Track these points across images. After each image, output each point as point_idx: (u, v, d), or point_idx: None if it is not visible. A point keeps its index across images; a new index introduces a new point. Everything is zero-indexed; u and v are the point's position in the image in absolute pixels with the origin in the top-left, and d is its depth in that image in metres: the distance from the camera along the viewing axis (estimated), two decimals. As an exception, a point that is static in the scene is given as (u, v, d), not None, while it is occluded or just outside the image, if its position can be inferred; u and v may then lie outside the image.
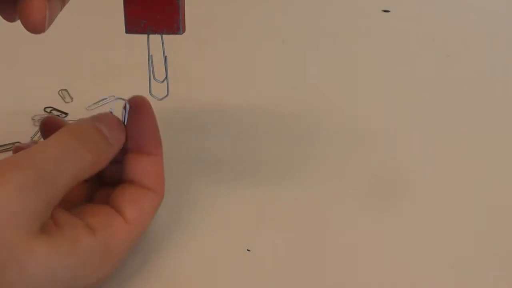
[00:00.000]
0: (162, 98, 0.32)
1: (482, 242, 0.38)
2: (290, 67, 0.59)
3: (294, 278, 0.35)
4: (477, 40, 0.66)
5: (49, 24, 0.30)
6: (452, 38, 0.66)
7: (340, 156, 0.46)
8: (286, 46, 0.64)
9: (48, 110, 0.50)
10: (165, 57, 0.31)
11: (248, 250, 0.37)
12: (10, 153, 0.45)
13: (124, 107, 0.33)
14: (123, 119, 0.33)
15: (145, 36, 0.31)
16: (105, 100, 0.51)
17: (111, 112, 0.34)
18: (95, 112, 0.49)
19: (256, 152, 0.46)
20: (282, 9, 0.74)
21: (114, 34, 0.63)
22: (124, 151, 0.35)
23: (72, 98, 0.52)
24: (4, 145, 0.45)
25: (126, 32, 0.30)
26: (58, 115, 0.49)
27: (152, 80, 0.33)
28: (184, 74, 0.56)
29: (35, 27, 0.29)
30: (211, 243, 0.37)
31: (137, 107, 0.34)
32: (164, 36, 0.31)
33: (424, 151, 0.46)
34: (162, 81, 0.32)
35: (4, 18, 0.32)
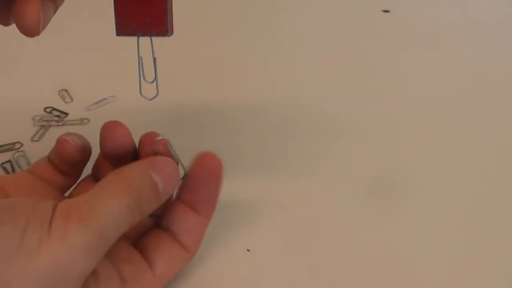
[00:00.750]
0: (152, 98, 0.32)
1: (482, 241, 0.38)
2: (289, 67, 0.59)
3: (294, 278, 0.35)
4: (477, 40, 0.66)
5: (43, 28, 0.30)
6: (452, 38, 0.66)
7: (341, 156, 0.46)
8: (286, 46, 0.64)
9: (48, 110, 0.50)
10: (154, 59, 0.32)
11: (248, 250, 0.37)
12: (10, 153, 0.45)
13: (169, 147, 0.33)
14: (173, 154, 0.33)
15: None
16: (105, 100, 0.51)
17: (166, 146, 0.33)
18: (95, 112, 0.50)
19: (255, 152, 0.46)
20: (282, 9, 0.74)
21: (113, 35, 0.63)
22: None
23: (72, 98, 0.52)
24: (4, 145, 0.45)
25: (117, 35, 0.31)
26: (58, 115, 0.49)
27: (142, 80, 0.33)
28: (181, 75, 0.56)
29: (30, 31, 0.29)
30: (211, 243, 0.37)
31: (210, 168, 0.34)
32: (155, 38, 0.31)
33: (424, 151, 0.46)
34: (152, 82, 0.32)
35: None
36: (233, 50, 0.63)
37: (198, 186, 0.34)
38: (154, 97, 0.32)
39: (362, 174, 0.43)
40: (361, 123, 0.50)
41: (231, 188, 0.42)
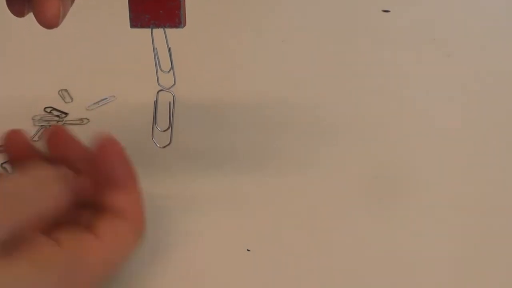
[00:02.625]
0: (170, 88, 0.33)
1: (484, 242, 0.38)
2: (290, 67, 0.59)
3: (294, 278, 0.35)
4: (478, 40, 0.66)
5: (62, 20, 0.30)
6: (452, 38, 0.66)
7: (341, 156, 0.45)
8: (286, 46, 0.64)
9: (48, 110, 0.50)
10: (169, 49, 0.33)
11: (248, 250, 0.37)
12: (10, 153, 0.45)
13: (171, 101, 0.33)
14: (170, 114, 0.34)
15: (148, 32, 0.32)
16: (105, 100, 0.51)
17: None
18: (95, 112, 0.50)
19: (255, 152, 0.46)
20: (282, 9, 0.74)
21: (114, 34, 0.63)
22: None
23: (72, 98, 0.52)
24: (4, 145, 0.45)
25: (131, 27, 0.32)
26: (58, 115, 0.49)
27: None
28: (182, 75, 0.56)
29: (49, 23, 0.30)
30: (211, 243, 0.37)
31: (103, 146, 0.33)
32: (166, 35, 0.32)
33: (424, 151, 0.46)
34: (168, 72, 0.33)
35: (14, 13, 0.33)
36: (232, 48, 0.63)
37: (103, 164, 0.33)
38: (172, 86, 0.33)
39: (362, 174, 0.43)
40: (360, 123, 0.50)
41: (231, 188, 0.42)
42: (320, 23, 0.69)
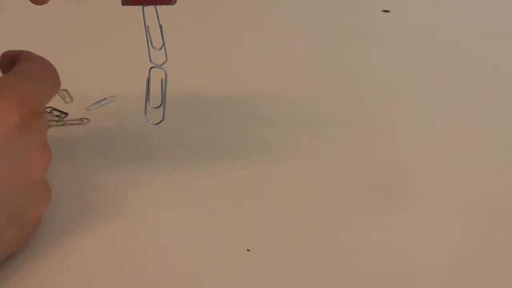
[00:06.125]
0: (162, 64, 0.33)
1: (484, 242, 0.38)
2: (290, 67, 0.59)
3: (294, 278, 0.35)
4: (477, 40, 0.66)
5: None
6: (452, 38, 0.66)
7: (341, 156, 0.46)
8: (286, 46, 0.64)
9: (48, 110, 0.50)
10: (160, 26, 0.34)
11: (248, 250, 0.37)
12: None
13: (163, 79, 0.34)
14: (162, 90, 0.34)
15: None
16: (105, 100, 0.51)
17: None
18: (95, 112, 0.50)
19: (254, 152, 0.46)
20: (282, 9, 0.74)
21: (114, 34, 0.63)
22: None
23: (72, 98, 0.52)
24: (4, 145, 0.45)
25: (122, 4, 0.33)
26: (58, 115, 0.49)
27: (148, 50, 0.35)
28: (181, 78, 0.56)
29: None
30: (211, 243, 0.37)
31: None
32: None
33: (424, 151, 0.46)
34: (160, 49, 0.33)
35: None
36: (233, 52, 0.63)
37: None
38: (164, 63, 0.34)
39: (362, 175, 0.43)
40: (360, 123, 0.50)
41: (230, 187, 0.42)
42: (320, 23, 0.69)
